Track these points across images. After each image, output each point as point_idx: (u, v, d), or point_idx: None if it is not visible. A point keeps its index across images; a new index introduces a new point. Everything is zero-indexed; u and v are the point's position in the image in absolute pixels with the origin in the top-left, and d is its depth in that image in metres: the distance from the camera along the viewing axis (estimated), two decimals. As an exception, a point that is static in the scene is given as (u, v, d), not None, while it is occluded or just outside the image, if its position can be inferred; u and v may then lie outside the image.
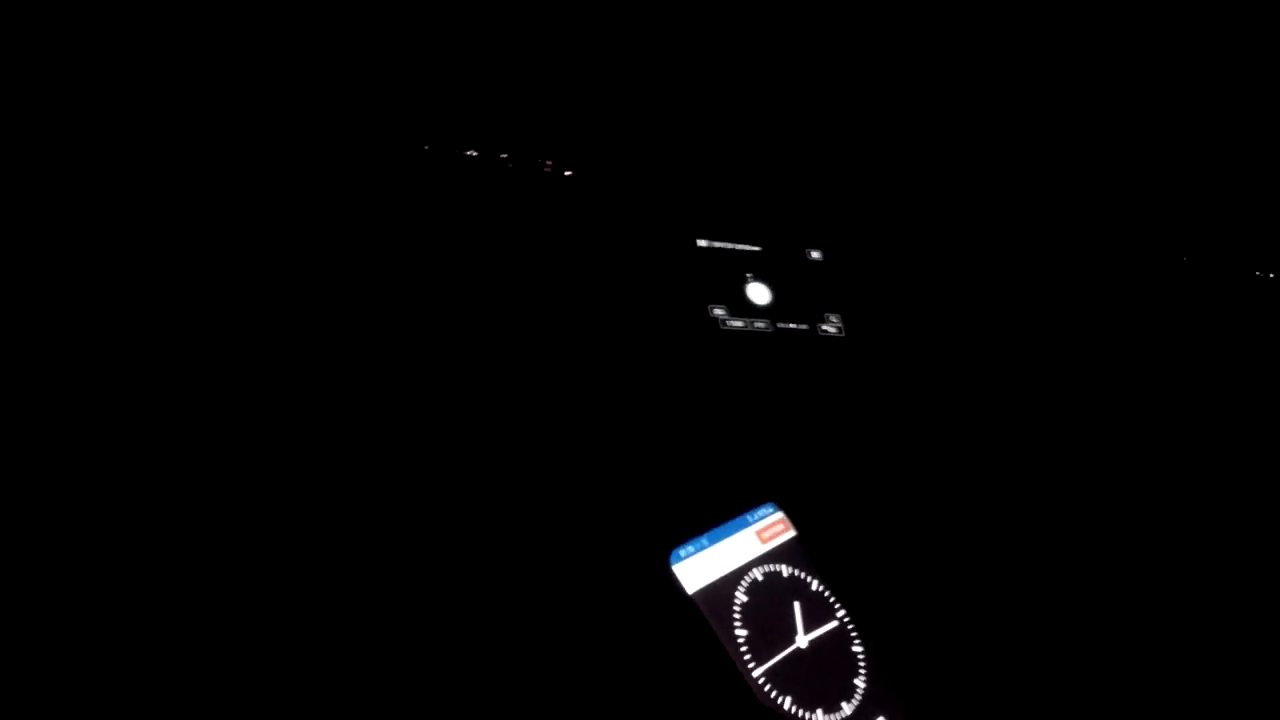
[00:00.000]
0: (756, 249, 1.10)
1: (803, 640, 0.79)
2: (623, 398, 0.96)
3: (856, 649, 0.81)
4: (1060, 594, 0.94)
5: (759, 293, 1.08)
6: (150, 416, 0.75)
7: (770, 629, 0.78)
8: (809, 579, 0.84)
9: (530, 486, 0.84)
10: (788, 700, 0.75)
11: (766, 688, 0.75)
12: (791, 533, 0.86)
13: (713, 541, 0.81)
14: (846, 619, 0.82)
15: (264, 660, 0.68)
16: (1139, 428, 1.15)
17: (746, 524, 0.84)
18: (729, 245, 1.09)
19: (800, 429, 1.01)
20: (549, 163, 1.03)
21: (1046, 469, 1.07)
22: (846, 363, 1.09)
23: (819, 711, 0.75)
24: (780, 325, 1.07)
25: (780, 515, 0.87)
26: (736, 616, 0.78)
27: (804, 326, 1.09)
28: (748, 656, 0.76)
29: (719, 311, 1.04)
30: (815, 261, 1.13)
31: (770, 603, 0.80)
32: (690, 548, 0.80)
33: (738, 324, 1.05)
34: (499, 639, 0.73)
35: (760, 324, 1.06)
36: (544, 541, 0.80)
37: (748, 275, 1.08)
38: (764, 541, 0.84)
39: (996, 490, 1.02)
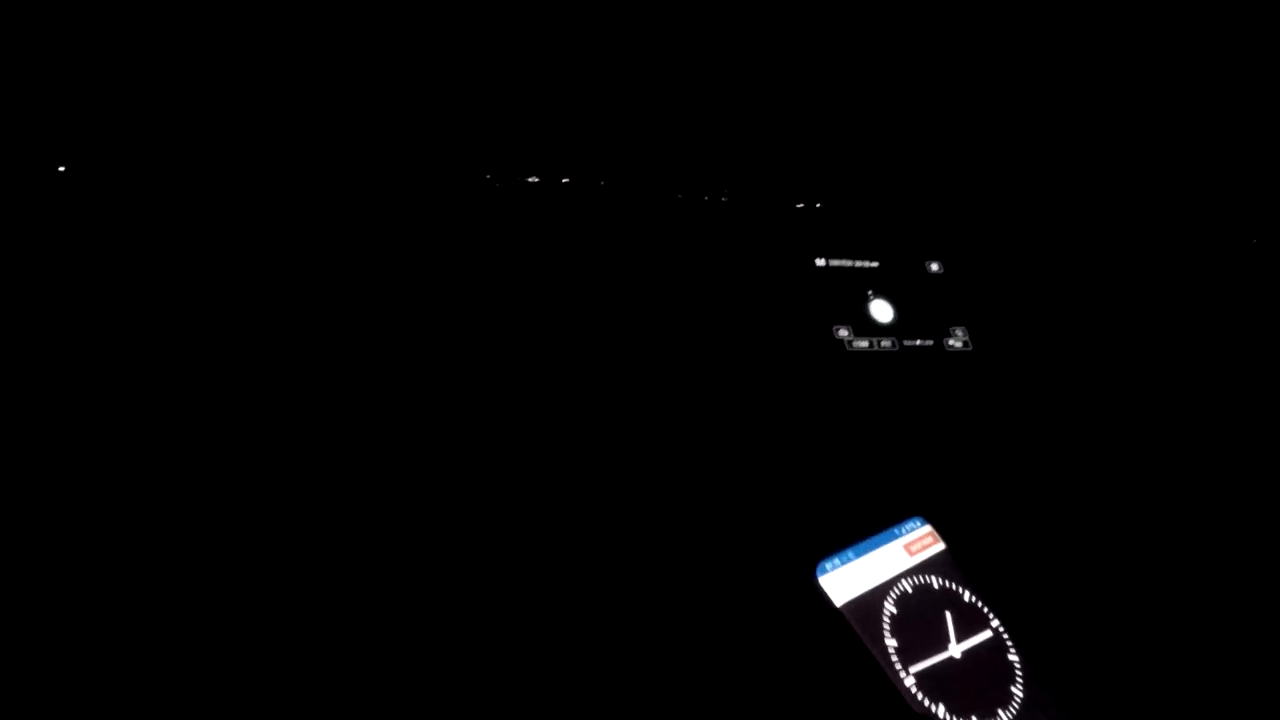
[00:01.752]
0: (874, 264, 1.06)
1: (956, 650, 0.74)
2: (759, 422, 0.93)
3: (1012, 658, 0.76)
4: (1211, 597, 0.88)
5: (882, 310, 1.04)
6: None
7: (921, 639, 0.74)
8: (961, 590, 0.79)
9: (673, 510, 0.81)
10: (941, 708, 0.70)
11: (918, 695, 0.70)
12: (940, 546, 0.81)
13: (859, 554, 0.77)
14: (1001, 628, 0.77)
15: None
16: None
17: (894, 537, 0.80)
18: (847, 263, 1.05)
19: (941, 443, 0.96)
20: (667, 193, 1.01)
21: (1183, 471, 1.01)
22: (975, 377, 1.04)
23: (973, 718, 0.71)
24: (906, 342, 1.03)
25: (928, 529, 0.82)
26: (886, 626, 0.73)
27: (929, 342, 1.04)
28: (898, 665, 0.71)
29: (844, 332, 1.00)
30: (935, 274, 1.08)
31: (921, 613, 0.75)
32: (836, 560, 0.76)
33: (863, 344, 1.01)
34: (651, 653, 0.70)
35: (886, 342, 1.02)
36: (691, 562, 0.77)
37: (869, 293, 1.04)
38: (912, 554, 0.80)
39: (1138, 495, 0.96)
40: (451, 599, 0.71)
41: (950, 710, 0.70)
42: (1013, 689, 0.74)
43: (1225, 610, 0.87)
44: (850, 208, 1.08)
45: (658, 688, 0.68)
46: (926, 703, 0.70)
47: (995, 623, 0.77)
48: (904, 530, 0.81)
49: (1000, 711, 0.72)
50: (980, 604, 0.78)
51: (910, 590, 0.77)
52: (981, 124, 1.12)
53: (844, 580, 0.75)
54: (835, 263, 1.03)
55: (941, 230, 1.11)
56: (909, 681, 0.70)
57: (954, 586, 0.79)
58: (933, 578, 0.78)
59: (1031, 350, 1.07)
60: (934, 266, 1.08)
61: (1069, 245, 1.17)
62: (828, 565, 0.75)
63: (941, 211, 1.13)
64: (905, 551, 0.79)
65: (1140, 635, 0.82)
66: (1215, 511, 0.97)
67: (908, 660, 0.72)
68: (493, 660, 0.68)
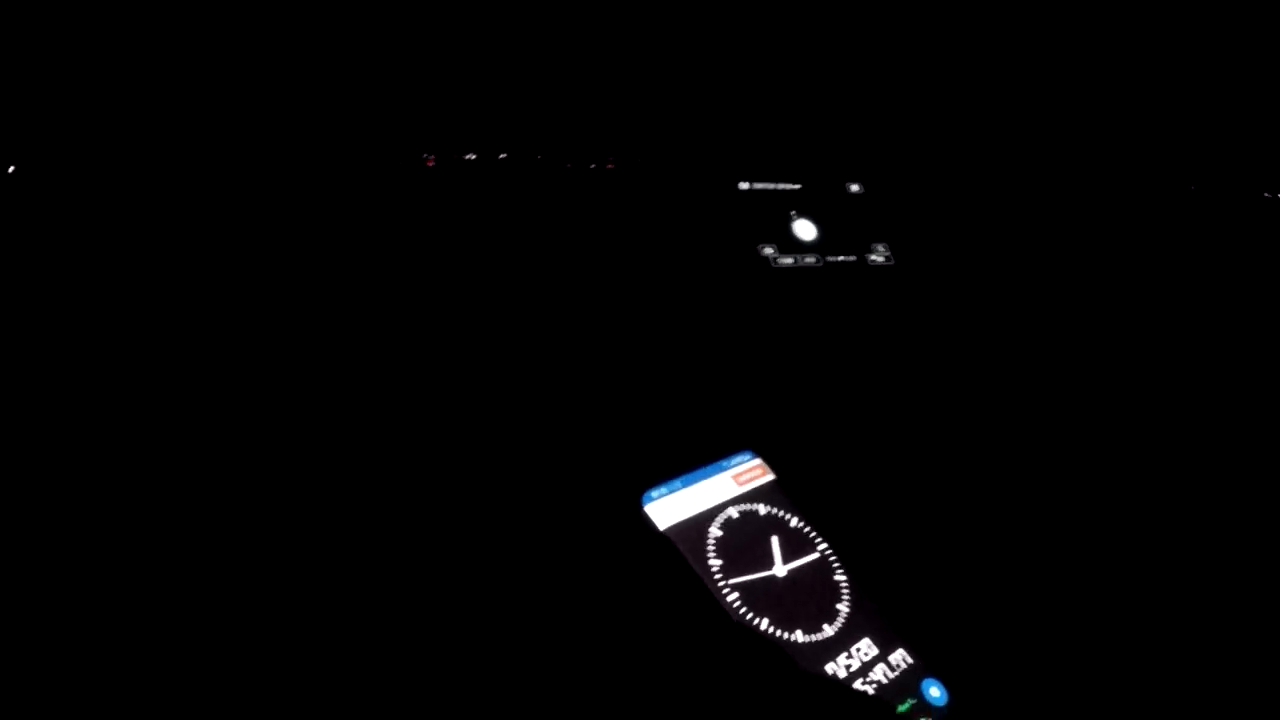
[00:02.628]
0: (797, 187, 1.09)
1: (780, 570, 0.79)
2: (682, 337, 0.98)
3: (839, 577, 0.81)
4: (1038, 528, 0.91)
5: (805, 229, 1.07)
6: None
7: (746, 560, 0.78)
8: (788, 516, 0.83)
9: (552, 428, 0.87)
10: (765, 621, 0.75)
11: (741, 609, 0.76)
12: (770, 476, 0.86)
13: (686, 484, 0.83)
14: (828, 551, 0.82)
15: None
16: (1151, 366, 1.09)
17: (722, 469, 0.85)
18: (770, 186, 1.08)
19: (782, 376, 0.99)
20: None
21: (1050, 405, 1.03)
22: (897, 288, 1.07)
23: (799, 632, 0.76)
24: (830, 259, 1.07)
25: (758, 461, 0.86)
26: (711, 548, 0.79)
27: (852, 258, 1.07)
28: (722, 583, 0.77)
29: (769, 250, 1.05)
30: (856, 194, 1.11)
31: (746, 537, 0.80)
32: (663, 489, 0.82)
33: (788, 261, 1.05)
34: (478, 578, 0.74)
35: (810, 259, 1.06)
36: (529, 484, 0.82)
37: (792, 213, 1.07)
38: (741, 484, 0.84)
39: (988, 432, 0.99)
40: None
41: (773, 623, 0.76)
42: (838, 606, 0.79)
43: (1050, 534, 0.90)
44: (772, 134, 1.11)
45: (480, 611, 0.72)
46: (750, 616, 0.76)
47: (822, 546, 0.82)
48: (733, 462, 0.86)
49: (826, 626, 0.77)
50: (807, 529, 0.83)
51: (736, 515, 0.82)
52: (897, 50, 1.12)
53: (670, 507, 0.80)
54: (759, 186, 1.07)
55: (860, 153, 1.13)
56: (732, 597, 0.76)
57: (781, 514, 0.84)
58: (760, 505, 0.84)
59: (950, 263, 1.10)
60: (854, 187, 1.11)
61: (984, 164, 1.17)
62: (654, 494, 0.81)
63: (860, 135, 1.14)
64: (734, 482, 0.85)
65: (963, 562, 0.86)
66: (1057, 439, 0.99)
67: (732, 579, 0.77)
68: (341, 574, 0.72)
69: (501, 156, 0.97)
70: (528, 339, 0.91)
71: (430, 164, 0.94)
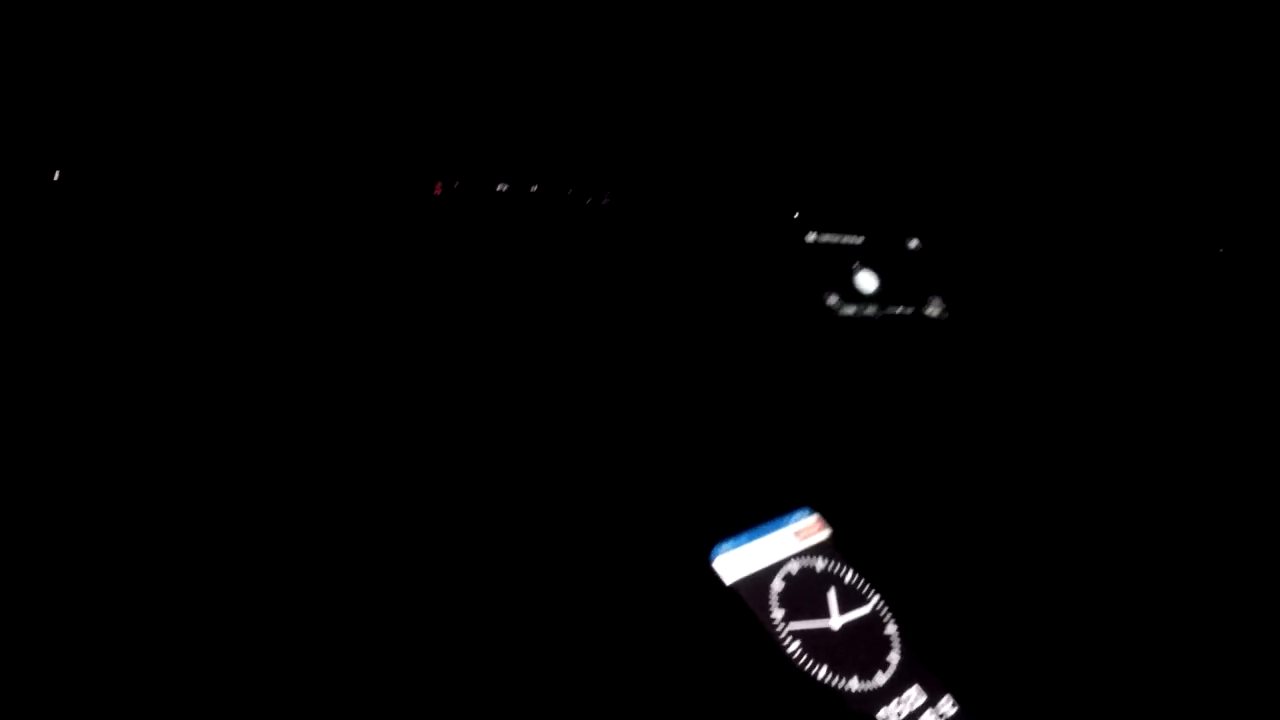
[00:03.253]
0: (859, 240, 1.13)
1: (836, 622, 0.83)
2: (750, 380, 1.02)
3: (890, 630, 0.86)
4: (1085, 577, 0.94)
5: (867, 280, 1.11)
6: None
7: (806, 612, 0.82)
8: (843, 571, 0.88)
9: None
10: (822, 669, 0.80)
11: (802, 658, 0.81)
12: (827, 532, 0.90)
13: (751, 539, 0.87)
14: (880, 604, 0.87)
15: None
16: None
17: (784, 524, 0.89)
18: (836, 238, 1.12)
19: (841, 429, 1.02)
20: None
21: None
22: (950, 341, 1.11)
23: (854, 680, 0.81)
24: (887, 311, 1.11)
25: (816, 517, 0.91)
26: (774, 601, 0.84)
27: (909, 310, 1.11)
28: (783, 634, 0.82)
29: (833, 299, 1.09)
30: (914, 250, 1.15)
31: (806, 590, 0.84)
32: (729, 545, 0.86)
33: (850, 311, 1.09)
34: (557, 631, 0.78)
35: (870, 310, 1.10)
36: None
37: (855, 265, 1.11)
38: (801, 540, 0.88)
39: (1031, 482, 1.02)
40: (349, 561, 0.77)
41: (831, 672, 0.81)
42: (889, 656, 0.84)
43: (1087, 587, 0.93)
44: (837, 190, 1.15)
45: (554, 661, 0.76)
46: (809, 665, 0.81)
47: (874, 599, 0.87)
48: (794, 519, 0.90)
49: (879, 674, 0.82)
50: (861, 583, 0.88)
51: (796, 570, 0.87)
52: (958, 116, 1.15)
53: (736, 562, 0.85)
54: (825, 237, 1.11)
55: (920, 210, 1.16)
56: (793, 647, 0.81)
57: (837, 568, 0.89)
58: (818, 560, 0.88)
59: (1002, 319, 1.13)
60: (913, 243, 1.15)
61: (1040, 226, 1.20)
62: (722, 548, 0.85)
63: (920, 192, 1.18)
64: (795, 537, 0.89)
65: (1010, 615, 0.90)
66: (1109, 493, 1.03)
67: (793, 630, 0.82)
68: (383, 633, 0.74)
69: (569, 191, 1.00)
70: (595, 389, 0.95)
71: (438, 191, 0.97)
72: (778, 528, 0.88)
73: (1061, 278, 1.18)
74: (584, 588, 0.80)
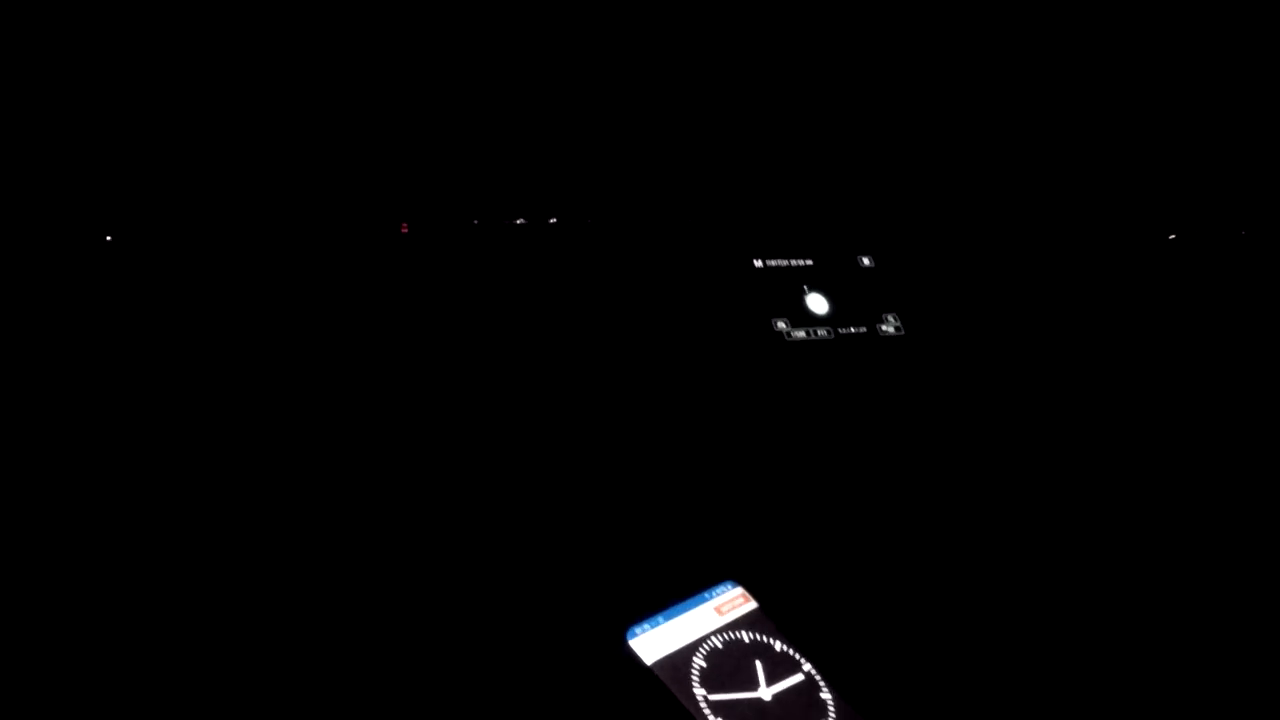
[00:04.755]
0: (809, 263, 1.07)
1: (766, 693, 0.79)
2: (699, 411, 0.98)
3: (825, 695, 0.81)
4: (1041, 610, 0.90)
5: (817, 303, 1.06)
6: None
7: (731, 686, 0.79)
8: (771, 641, 0.84)
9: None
10: (751, 746, 0.77)
11: (728, 736, 0.77)
12: (752, 604, 0.85)
13: (669, 618, 0.83)
14: (813, 671, 0.83)
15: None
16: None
17: (704, 600, 0.85)
18: (783, 262, 1.07)
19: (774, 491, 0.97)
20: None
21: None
22: (908, 358, 1.06)
23: (785, 752, 0.77)
24: (841, 330, 1.05)
25: (739, 590, 0.86)
26: (695, 678, 0.80)
27: (863, 329, 1.06)
28: (708, 712, 0.78)
29: (782, 324, 1.04)
30: (867, 268, 1.09)
31: (731, 664, 0.79)
32: (646, 625, 0.82)
33: (800, 334, 1.04)
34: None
35: (822, 331, 1.05)
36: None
37: (804, 288, 1.06)
38: (722, 614, 0.84)
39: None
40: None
41: (760, 747, 0.77)
42: (825, 721, 0.80)
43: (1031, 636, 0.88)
44: (783, 213, 1.09)
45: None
46: (736, 743, 0.77)
47: (807, 666, 0.83)
48: (714, 593, 0.86)
49: (813, 746, 0.78)
50: (791, 651, 0.83)
51: (720, 645, 0.83)
52: (903, 128, 1.09)
53: (654, 641, 0.81)
54: (772, 263, 1.06)
55: (870, 228, 1.10)
56: (718, 724, 0.77)
57: (765, 639, 0.84)
58: (743, 633, 0.84)
59: (960, 331, 1.08)
60: (865, 261, 1.09)
61: (994, 236, 1.14)
62: (638, 630, 0.81)
63: (870, 211, 1.12)
64: (715, 612, 0.85)
65: (958, 673, 0.85)
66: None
67: (718, 707, 0.78)
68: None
69: (519, 221, 0.97)
70: (532, 436, 0.92)
71: (405, 230, 0.94)
72: (698, 603, 0.83)
73: (1023, 282, 1.12)
74: (494, 674, 0.77)
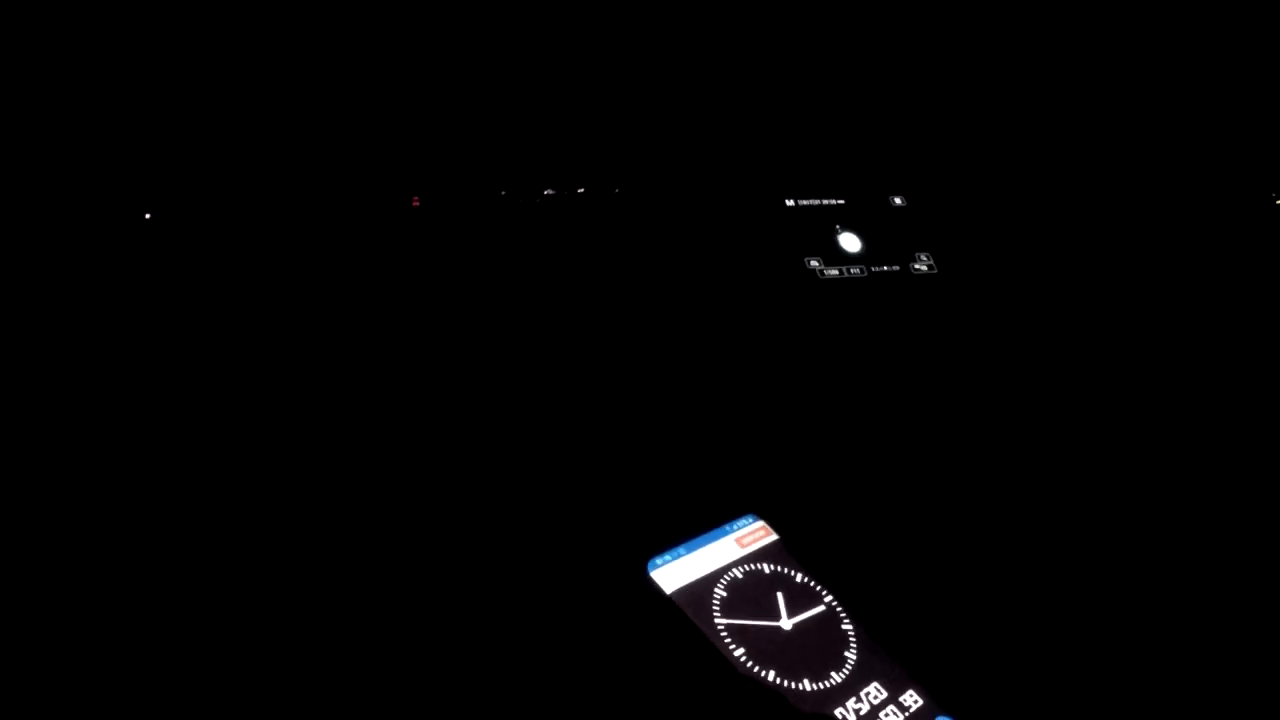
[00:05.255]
0: (840, 202, 1.06)
1: (786, 623, 0.79)
2: (735, 348, 0.97)
3: (846, 627, 0.81)
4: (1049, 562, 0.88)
5: (850, 241, 1.05)
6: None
7: (752, 617, 0.78)
8: (793, 573, 0.84)
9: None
10: (771, 673, 0.76)
11: (748, 663, 0.76)
12: (773, 537, 0.85)
13: (690, 550, 0.83)
14: (834, 602, 0.82)
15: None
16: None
17: (725, 533, 0.84)
18: (815, 202, 1.05)
19: (797, 428, 0.96)
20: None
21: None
22: (941, 295, 1.04)
23: (805, 681, 0.77)
24: (874, 269, 1.04)
25: (761, 523, 0.86)
26: (716, 608, 0.80)
27: (896, 268, 1.04)
28: (728, 640, 0.78)
29: (815, 263, 1.03)
30: (899, 207, 1.08)
31: (751, 595, 0.79)
32: (667, 556, 0.82)
33: (834, 273, 1.03)
34: (488, 645, 0.75)
35: (855, 270, 1.03)
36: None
37: (836, 227, 1.05)
38: (744, 546, 0.83)
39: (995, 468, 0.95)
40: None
41: (779, 675, 0.77)
42: (846, 653, 0.79)
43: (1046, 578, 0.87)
44: (815, 153, 1.08)
45: (489, 674, 0.74)
46: (756, 669, 0.76)
47: (828, 598, 0.82)
48: (735, 526, 0.86)
49: (834, 673, 0.78)
50: (812, 582, 0.83)
51: (741, 576, 0.83)
52: (934, 70, 1.07)
53: (675, 572, 0.81)
54: (805, 202, 1.04)
55: (902, 167, 1.09)
56: (738, 652, 0.76)
57: (786, 570, 0.84)
58: (764, 565, 0.84)
59: (994, 270, 1.06)
60: (897, 200, 1.07)
61: (1029, 174, 1.11)
62: (658, 561, 0.81)
63: (901, 150, 1.10)
64: (737, 544, 0.85)
65: (977, 602, 0.84)
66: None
67: (738, 635, 0.78)
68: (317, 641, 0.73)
69: (547, 193, 0.96)
70: (561, 380, 0.92)
71: (415, 204, 0.94)
72: (719, 536, 0.83)
73: (1057, 221, 1.09)
74: (516, 606, 0.78)
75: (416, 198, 0.95)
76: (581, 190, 0.96)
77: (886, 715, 0.74)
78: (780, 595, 0.80)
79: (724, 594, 0.79)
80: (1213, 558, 0.87)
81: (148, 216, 0.85)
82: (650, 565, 0.79)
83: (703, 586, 0.79)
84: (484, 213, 0.96)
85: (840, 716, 0.73)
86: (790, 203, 1.02)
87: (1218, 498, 0.91)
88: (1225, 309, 1.06)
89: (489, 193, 0.96)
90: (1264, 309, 1.06)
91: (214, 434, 0.81)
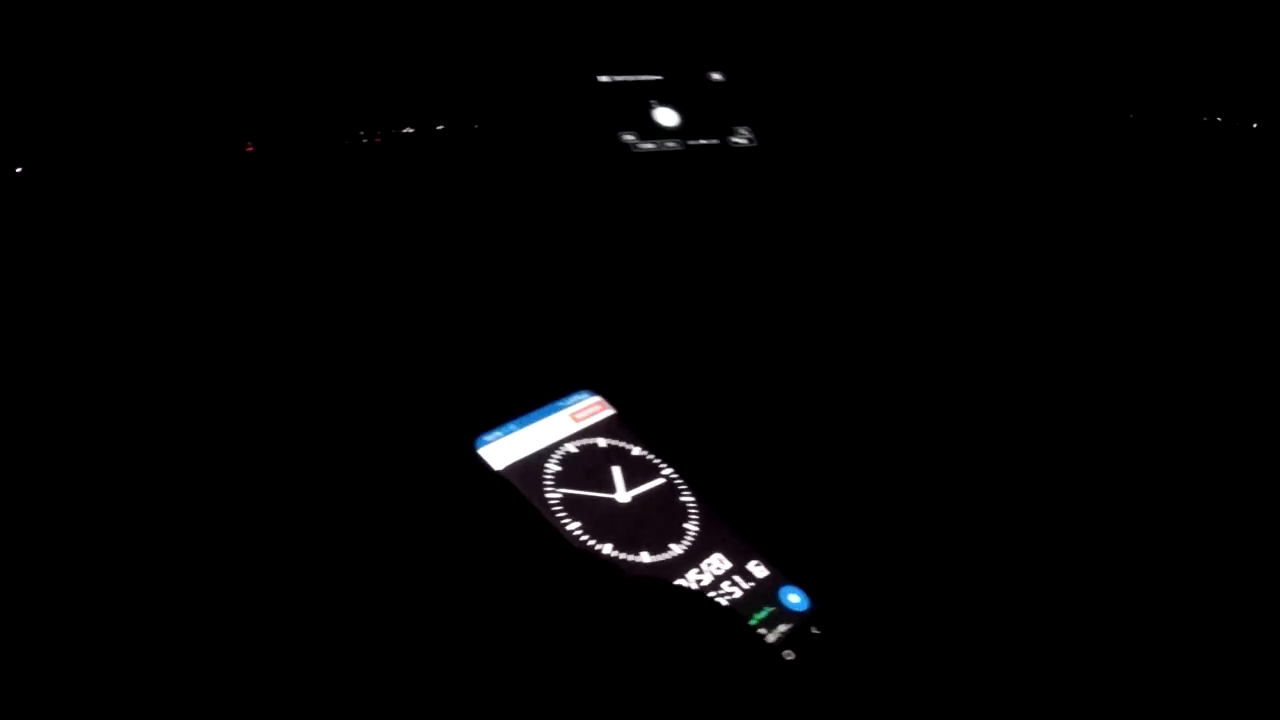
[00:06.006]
0: (658, 78, 1.02)
1: (624, 496, 0.76)
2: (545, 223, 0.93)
3: (686, 499, 0.78)
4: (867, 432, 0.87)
5: (666, 116, 1.01)
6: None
7: (587, 490, 0.75)
8: (630, 446, 0.80)
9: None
10: (607, 547, 0.73)
11: (583, 537, 0.73)
12: (609, 411, 0.82)
13: (521, 426, 0.79)
14: (674, 475, 0.79)
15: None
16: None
17: (558, 409, 0.81)
18: (630, 78, 1.01)
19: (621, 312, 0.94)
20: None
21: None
22: (761, 168, 1.02)
23: (644, 554, 0.73)
24: (691, 143, 1.01)
25: (597, 399, 0.82)
26: (549, 482, 0.76)
27: (715, 141, 1.01)
28: (562, 515, 0.74)
29: (629, 137, 0.98)
30: (718, 82, 1.05)
31: (586, 469, 0.76)
32: (497, 433, 0.78)
33: (649, 146, 0.99)
34: (313, 535, 0.71)
35: (671, 144, 1.00)
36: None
37: (652, 102, 1.01)
38: (578, 421, 0.80)
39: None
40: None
41: (617, 548, 0.73)
42: (686, 525, 0.76)
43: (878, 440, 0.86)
44: (629, 28, 1.03)
45: (317, 567, 0.69)
46: (591, 543, 0.73)
47: (667, 471, 0.79)
48: (569, 402, 0.82)
49: (673, 545, 0.75)
50: (650, 456, 0.80)
51: (575, 450, 0.79)
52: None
53: (505, 448, 0.77)
54: (619, 78, 1.00)
55: (719, 42, 1.05)
56: (572, 526, 0.72)
57: (622, 444, 0.80)
58: (599, 439, 0.80)
59: (812, 144, 1.04)
60: (716, 76, 1.04)
61: (849, 47, 1.10)
62: (487, 438, 0.77)
63: (720, 26, 1.07)
64: (571, 419, 0.81)
65: (820, 474, 0.83)
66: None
67: (572, 509, 0.74)
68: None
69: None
70: (389, 254, 0.87)
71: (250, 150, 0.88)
72: (551, 412, 0.79)
73: (877, 92, 1.08)
74: (341, 488, 0.72)
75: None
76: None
77: (731, 585, 0.71)
78: (617, 470, 0.77)
79: (558, 469, 0.75)
80: (1090, 496, 0.86)
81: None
82: (479, 442, 0.74)
83: (535, 461, 0.75)
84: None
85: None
86: (605, 79, 0.97)
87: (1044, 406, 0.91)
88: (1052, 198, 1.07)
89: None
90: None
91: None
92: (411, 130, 0.91)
